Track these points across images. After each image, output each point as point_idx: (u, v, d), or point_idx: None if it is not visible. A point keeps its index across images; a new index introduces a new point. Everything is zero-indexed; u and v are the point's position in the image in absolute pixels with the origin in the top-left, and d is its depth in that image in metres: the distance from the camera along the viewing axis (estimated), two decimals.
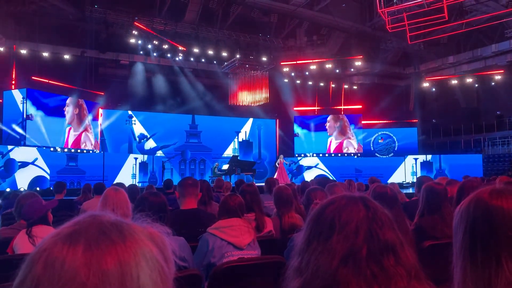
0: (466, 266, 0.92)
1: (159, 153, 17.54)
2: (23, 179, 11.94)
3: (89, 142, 15.64)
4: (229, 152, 18.91)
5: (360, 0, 18.10)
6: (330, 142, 19.74)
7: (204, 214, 3.33)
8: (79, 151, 14.82)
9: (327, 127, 19.82)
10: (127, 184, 5.72)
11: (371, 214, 0.86)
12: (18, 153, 12.14)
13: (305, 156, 19.01)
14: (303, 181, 7.06)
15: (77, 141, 15.22)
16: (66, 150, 14.48)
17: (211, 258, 2.54)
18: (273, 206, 3.74)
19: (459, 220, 0.97)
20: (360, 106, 20.12)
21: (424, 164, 17.45)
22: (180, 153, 18.00)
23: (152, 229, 0.63)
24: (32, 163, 12.30)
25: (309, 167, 17.95)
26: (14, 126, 13.04)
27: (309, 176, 16.31)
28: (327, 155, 19.08)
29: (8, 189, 11.10)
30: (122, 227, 0.58)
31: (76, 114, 15.30)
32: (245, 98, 16.62)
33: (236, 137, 19.42)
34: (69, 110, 15.05)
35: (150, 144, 17.58)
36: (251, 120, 19.67)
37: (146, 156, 15.96)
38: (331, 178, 12.19)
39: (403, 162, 17.67)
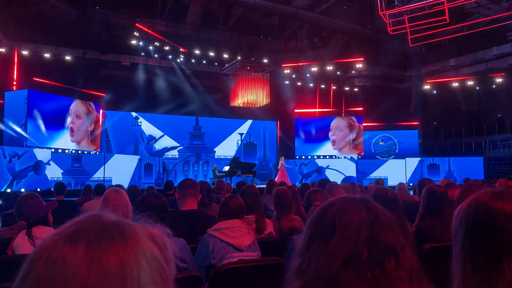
0: (466, 269, 0.91)
1: (174, 154, 17.47)
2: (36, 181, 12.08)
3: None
4: (218, 153, 18.80)
5: (361, 2, 18.11)
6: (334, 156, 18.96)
7: (203, 216, 3.32)
8: (80, 152, 14.79)
9: (330, 135, 18.81)
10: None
11: (372, 217, 0.86)
12: (36, 154, 12.41)
13: (306, 157, 18.95)
14: (303, 183, 7.05)
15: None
16: (70, 151, 14.43)
17: (211, 259, 2.54)
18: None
19: (459, 223, 0.97)
20: (361, 108, 20.10)
21: (430, 167, 17.35)
22: (194, 155, 18.03)
23: (153, 230, 0.63)
24: (47, 163, 12.53)
25: (323, 169, 17.89)
26: (16, 127, 13.03)
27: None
28: (328, 157, 18.99)
29: (8, 190, 11.11)
30: (123, 227, 0.58)
31: (90, 131, 14.92)
32: (246, 99, 16.58)
33: (240, 138, 19.38)
34: (80, 124, 14.59)
35: (159, 145, 17.53)
36: (251, 122, 19.58)
37: (133, 158, 15.85)
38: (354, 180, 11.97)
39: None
